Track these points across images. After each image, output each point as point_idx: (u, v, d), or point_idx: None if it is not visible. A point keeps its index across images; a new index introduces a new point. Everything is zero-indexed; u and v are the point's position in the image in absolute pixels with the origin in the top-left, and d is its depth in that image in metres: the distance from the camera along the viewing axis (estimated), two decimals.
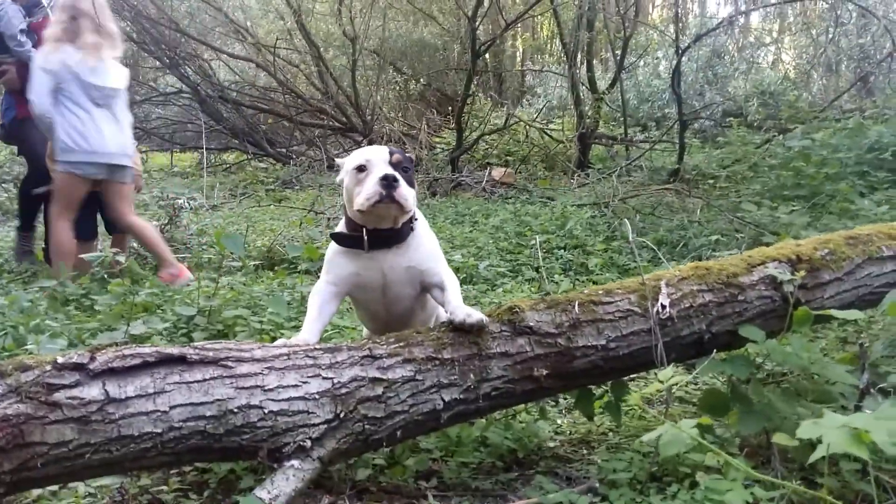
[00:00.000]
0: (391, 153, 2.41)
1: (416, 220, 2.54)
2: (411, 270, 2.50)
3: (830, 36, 12.05)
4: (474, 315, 2.29)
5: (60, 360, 1.83)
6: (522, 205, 8.39)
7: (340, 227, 2.59)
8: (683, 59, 9.97)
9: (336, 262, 2.55)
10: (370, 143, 12.10)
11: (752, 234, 5.51)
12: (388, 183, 2.30)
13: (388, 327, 2.64)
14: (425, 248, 2.55)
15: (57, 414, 1.77)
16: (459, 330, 2.29)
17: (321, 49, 13.46)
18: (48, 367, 1.81)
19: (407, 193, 2.34)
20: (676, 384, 1.69)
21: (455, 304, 2.39)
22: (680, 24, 12.49)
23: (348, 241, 2.50)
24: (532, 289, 5.15)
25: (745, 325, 2.46)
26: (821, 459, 1.35)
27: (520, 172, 11.27)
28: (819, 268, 2.63)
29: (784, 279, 2.48)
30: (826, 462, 1.39)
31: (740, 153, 8.83)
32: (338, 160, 2.63)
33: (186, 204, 6.69)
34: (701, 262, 2.67)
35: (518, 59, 21.33)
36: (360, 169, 2.39)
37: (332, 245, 2.59)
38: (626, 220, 4.20)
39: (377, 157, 2.39)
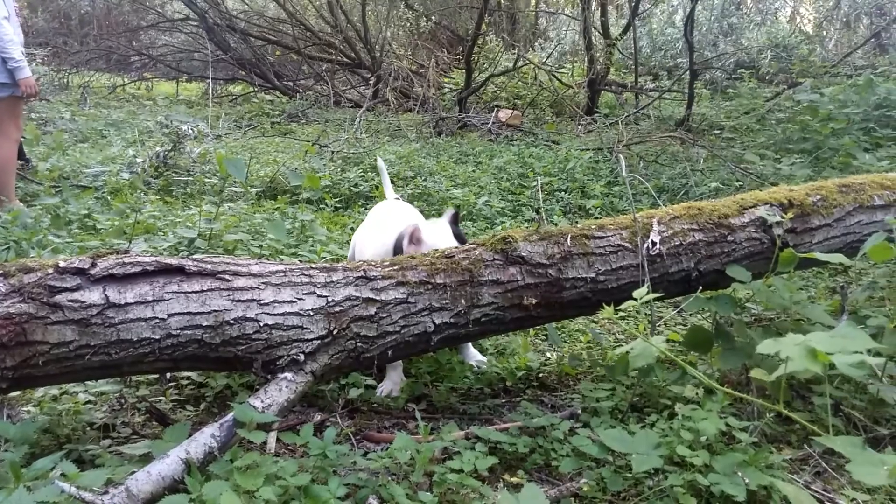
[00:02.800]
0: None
1: None
2: None
3: None
4: None
5: (62, 263, 1.89)
6: (527, 147, 8.38)
7: None
8: (699, 7, 9.83)
9: None
10: (377, 79, 12.00)
11: (752, 185, 5.53)
12: None
13: None
14: None
15: (58, 315, 1.83)
16: None
17: None
18: (50, 270, 1.87)
19: None
20: (650, 306, 1.73)
21: None
22: None
23: None
24: (531, 228, 5.19)
25: (732, 265, 2.51)
26: (783, 387, 1.41)
27: (527, 116, 11.20)
28: (810, 213, 2.66)
29: (773, 221, 2.52)
30: (782, 387, 1.44)
31: (749, 105, 8.78)
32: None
33: (190, 131, 6.67)
34: (694, 202, 2.70)
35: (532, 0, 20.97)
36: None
37: None
38: (620, 156, 4.20)
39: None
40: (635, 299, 1.84)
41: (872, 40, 11.92)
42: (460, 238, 2.81)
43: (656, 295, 2.01)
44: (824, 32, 14.65)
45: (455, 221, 2.90)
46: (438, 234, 2.79)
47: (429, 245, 2.72)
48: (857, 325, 2.41)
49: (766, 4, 16.55)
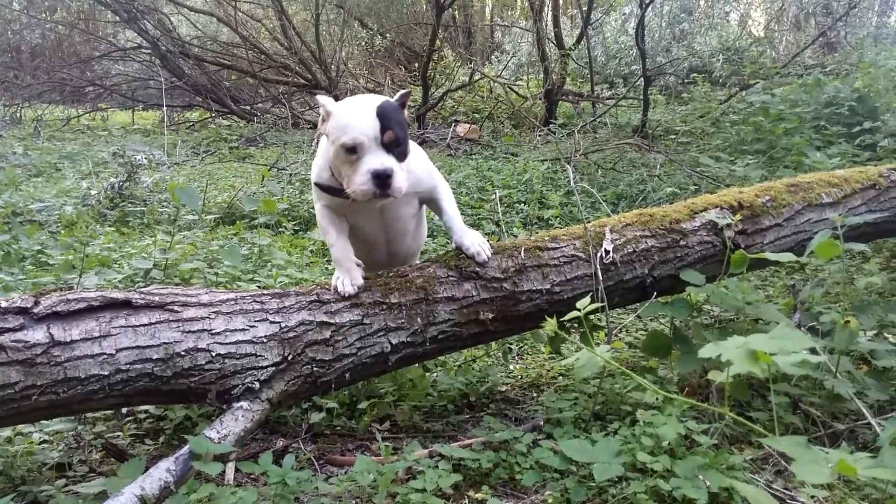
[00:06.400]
0: (383, 129, 2.13)
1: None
2: (407, 195, 2.30)
3: None
4: (483, 253, 2.42)
5: (4, 304, 1.84)
6: (486, 160, 8.40)
7: (322, 171, 2.37)
8: (650, 14, 9.97)
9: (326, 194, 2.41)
10: (335, 99, 11.97)
11: (709, 188, 5.60)
12: (381, 181, 2.11)
13: (387, 247, 2.58)
14: (417, 172, 2.41)
15: (1, 357, 1.79)
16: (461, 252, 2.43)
17: (284, 2, 13.23)
18: None
19: (400, 184, 2.15)
20: (606, 314, 1.73)
21: (459, 231, 2.48)
22: None
23: (334, 192, 2.33)
24: (492, 241, 5.20)
25: (686, 269, 2.53)
26: (729, 391, 1.41)
27: (485, 129, 11.25)
28: (760, 214, 2.70)
29: (723, 224, 2.54)
30: (726, 393, 1.44)
31: (703, 109, 8.91)
32: (323, 102, 2.29)
33: (144, 160, 6.59)
34: (646, 209, 2.73)
35: (487, 13, 21.12)
36: (351, 150, 2.14)
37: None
38: (568, 165, 4.23)
39: (368, 137, 2.12)
40: (579, 310, 1.85)
41: (821, 39, 12.17)
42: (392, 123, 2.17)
43: (598, 305, 2.02)
44: (774, 34, 14.93)
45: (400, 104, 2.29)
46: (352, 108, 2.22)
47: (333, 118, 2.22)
48: (810, 322, 2.45)
49: (717, 9, 16.85)
